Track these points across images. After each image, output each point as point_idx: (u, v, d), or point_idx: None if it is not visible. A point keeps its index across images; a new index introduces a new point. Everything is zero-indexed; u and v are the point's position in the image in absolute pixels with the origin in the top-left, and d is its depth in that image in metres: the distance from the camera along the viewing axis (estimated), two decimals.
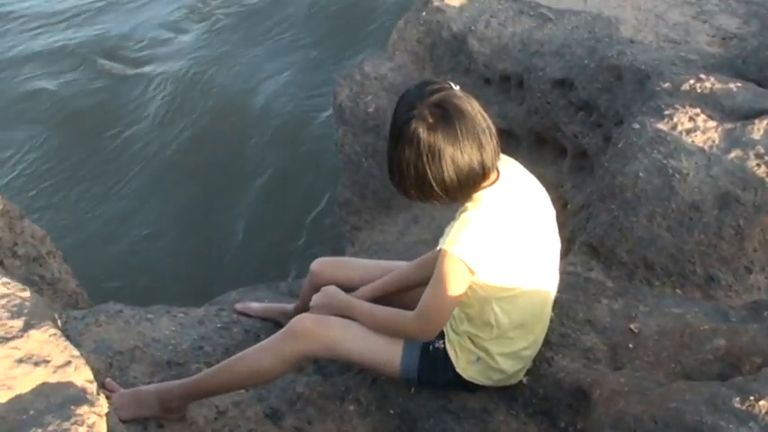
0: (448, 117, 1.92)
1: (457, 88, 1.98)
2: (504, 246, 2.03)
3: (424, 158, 1.94)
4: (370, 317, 2.30)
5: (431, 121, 1.92)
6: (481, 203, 2.03)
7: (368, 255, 4.03)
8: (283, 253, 5.22)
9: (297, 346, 2.27)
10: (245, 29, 7.44)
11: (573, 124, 3.75)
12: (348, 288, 2.48)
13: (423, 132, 1.93)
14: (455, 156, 1.94)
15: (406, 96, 2.00)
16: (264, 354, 2.30)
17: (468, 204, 2.04)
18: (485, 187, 2.04)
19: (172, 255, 5.33)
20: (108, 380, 2.42)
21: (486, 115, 1.99)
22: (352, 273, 2.60)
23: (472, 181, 2.00)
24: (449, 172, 1.95)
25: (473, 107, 1.96)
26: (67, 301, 3.11)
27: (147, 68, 7.04)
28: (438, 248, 2.04)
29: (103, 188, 5.92)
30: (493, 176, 2.05)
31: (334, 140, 4.70)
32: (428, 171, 1.95)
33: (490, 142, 1.97)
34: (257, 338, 2.75)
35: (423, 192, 2.03)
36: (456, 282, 2.06)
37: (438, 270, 2.05)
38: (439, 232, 3.83)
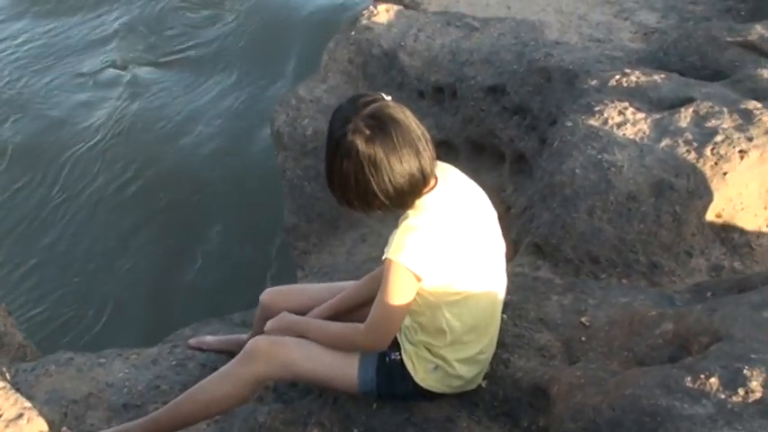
0: (384, 127, 1.94)
1: (389, 98, 2.01)
2: (449, 250, 2.05)
3: (366, 170, 1.96)
4: (323, 333, 2.30)
5: (367, 132, 1.94)
6: (422, 210, 2.05)
7: (318, 277, 4.02)
8: (234, 285, 5.17)
9: (253, 368, 2.25)
10: (178, 72, 7.37)
11: (508, 129, 3.80)
12: (304, 314, 2.47)
13: (361, 144, 1.95)
14: (395, 164, 1.96)
15: (340, 111, 2.02)
16: (222, 381, 2.29)
17: (410, 212, 2.06)
18: (424, 193, 2.06)
19: (122, 297, 5.24)
20: (64, 428, 2.37)
21: (419, 123, 2.02)
22: (302, 299, 2.59)
23: (414, 188, 2.02)
24: (391, 180, 1.97)
25: (406, 116, 1.99)
26: (15, 355, 3.04)
27: (79, 113, 6.94)
28: (383, 258, 2.06)
29: (46, 232, 5.80)
30: (432, 182, 2.07)
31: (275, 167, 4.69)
32: (371, 181, 1.97)
33: (427, 149, 2.00)
34: (214, 371, 2.72)
35: (366, 202, 2.04)
36: (403, 290, 2.07)
37: (384, 280, 2.07)
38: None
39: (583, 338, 2.37)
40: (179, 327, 3.52)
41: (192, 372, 2.76)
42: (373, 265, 3.81)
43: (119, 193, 6.07)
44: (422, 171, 2.00)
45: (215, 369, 2.76)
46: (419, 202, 2.05)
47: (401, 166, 1.97)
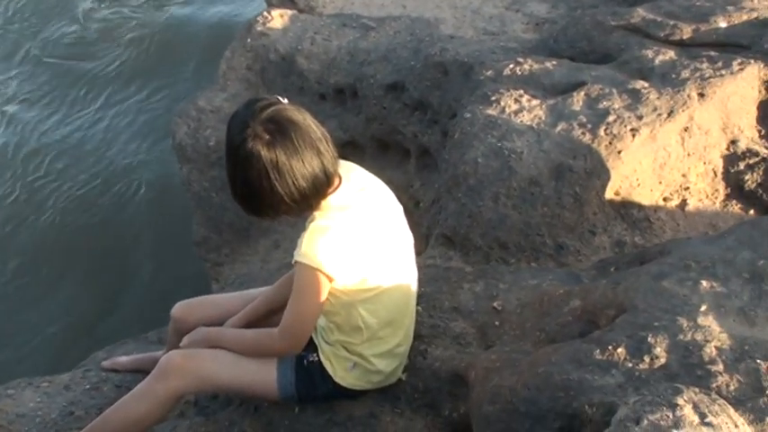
0: (283, 130, 1.94)
1: (285, 101, 2.00)
2: (358, 247, 2.07)
3: (270, 175, 1.95)
4: (238, 342, 2.28)
5: (267, 137, 1.93)
6: (328, 210, 2.06)
7: (234, 287, 3.96)
8: (147, 305, 5.05)
9: (170, 384, 2.22)
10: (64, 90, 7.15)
11: (411, 125, 3.84)
12: (219, 324, 2.44)
13: (262, 150, 1.94)
14: (297, 167, 1.96)
15: (237, 116, 2.01)
16: (138, 400, 2.25)
17: (316, 213, 2.06)
18: (329, 194, 2.06)
19: (27, 325, 5.06)
20: None
21: (318, 124, 2.02)
22: (215, 310, 2.56)
23: (318, 188, 2.02)
24: (295, 183, 1.97)
25: (305, 117, 1.99)
26: None
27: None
28: (293, 261, 2.05)
29: None
30: (335, 182, 2.08)
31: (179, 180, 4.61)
32: (275, 186, 1.96)
33: (328, 149, 2.00)
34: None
35: (272, 208, 2.04)
36: (314, 291, 2.08)
37: (296, 282, 2.07)
38: None
39: (496, 323, 2.42)
40: (91, 350, 3.42)
41: (107, 394, 2.69)
42: (288, 271, 3.80)
43: (22, 224, 5.86)
44: (324, 171, 2.00)
45: (130, 389, 2.71)
46: (325, 203, 2.06)
47: (304, 169, 1.97)
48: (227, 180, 2.05)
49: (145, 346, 3.31)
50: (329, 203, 2.06)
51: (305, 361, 2.28)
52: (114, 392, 2.70)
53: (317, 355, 2.28)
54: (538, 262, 2.82)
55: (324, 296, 2.10)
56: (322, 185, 2.02)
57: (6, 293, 5.35)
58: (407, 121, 3.86)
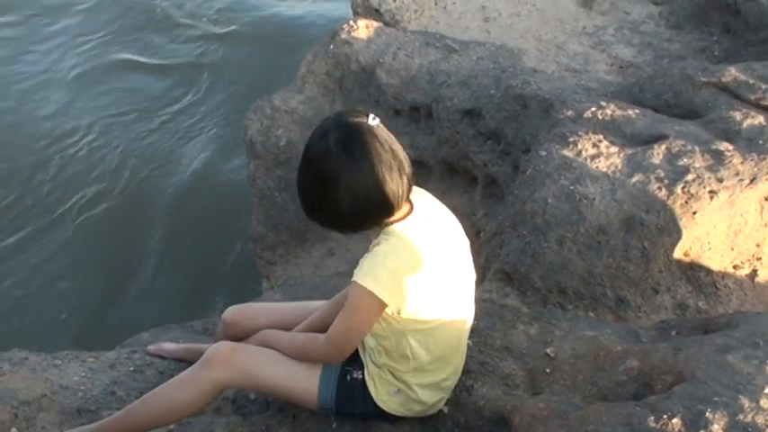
0: (354, 148, 1.94)
1: (375, 122, 2.00)
2: (418, 280, 2.04)
3: (319, 185, 1.98)
4: (290, 342, 2.29)
5: (336, 149, 1.95)
6: (394, 237, 2.04)
7: (284, 289, 3.99)
8: (196, 292, 5.11)
9: (214, 373, 2.22)
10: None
11: (482, 153, 3.81)
12: None
13: (328, 160, 1.95)
14: (355, 187, 1.95)
15: (324, 123, 2.04)
16: (180, 386, 2.25)
17: (382, 238, 2.05)
18: (397, 221, 2.05)
19: (78, 298, 5.14)
20: (14, 430, 2.31)
21: (398, 152, 2.00)
22: (267, 318, 2.56)
23: (371, 214, 2.02)
24: (343, 202, 1.97)
25: (383, 143, 1.97)
26: None
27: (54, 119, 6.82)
28: (352, 280, 2.05)
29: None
30: (404, 210, 2.07)
31: (245, 176, 4.66)
32: (331, 198, 1.97)
33: (398, 180, 1.99)
34: None
35: (328, 218, 2.06)
36: (364, 313, 2.08)
37: (349, 300, 2.07)
38: (354, 264, 3.82)
39: (547, 370, 2.38)
40: (136, 332, 3.46)
41: (149, 379, 2.71)
42: (339, 281, 3.81)
43: (74, 200, 5.96)
44: (384, 198, 1.98)
45: (173, 377, 2.73)
46: (391, 229, 2.05)
47: (358, 191, 1.96)
48: (297, 177, 2.07)
49: (190, 335, 3.34)
50: (395, 230, 2.05)
51: (348, 376, 2.27)
52: (157, 378, 2.72)
53: (363, 374, 2.27)
54: (596, 312, 2.77)
55: (373, 320, 2.10)
56: (375, 211, 2.01)
57: (57, 265, 5.47)
58: (479, 149, 3.84)
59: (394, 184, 1.98)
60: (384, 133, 2.00)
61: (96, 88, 7.10)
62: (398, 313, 2.06)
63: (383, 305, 2.03)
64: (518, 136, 3.61)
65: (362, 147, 1.95)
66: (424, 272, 2.04)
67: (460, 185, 3.97)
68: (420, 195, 2.16)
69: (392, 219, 2.05)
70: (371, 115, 2.01)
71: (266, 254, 4.36)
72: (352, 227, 2.08)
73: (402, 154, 2.01)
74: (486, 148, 3.80)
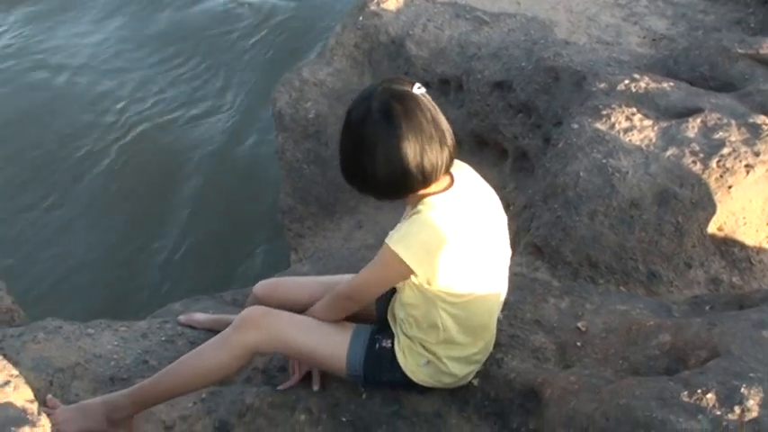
0: (395, 116, 1.92)
1: (420, 91, 1.98)
2: (452, 252, 2.02)
3: (358, 151, 1.97)
4: (317, 304, 2.33)
5: (377, 116, 1.93)
6: (433, 208, 2.02)
7: (312, 261, 4.00)
8: (225, 264, 5.14)
9: (246, 336, 2.24)
10: (174, 49, 7.28)
11: (513, 126, 3.78)
12: (301, 308, 2.44)
13: (362, 126, 1.96)
14: (387, 155, 1.94)
15: (369, 88, 2.03)
16: (212, 349, 2.27)
17: (421, 207, 2.04)
18: (436, 193, 2.04)
19: (107, 269, 5.20)
20: (49, 396, 2.34)
21: (441, 123, 1.98)
22: (298, 292, 2.56)
23: (407, 184, 2.00)
24: (380, 169, 1.97)
25: (425, 112, 1.95)
26: (2, 319, 3.00)
27: (82, 80, 6.86)
28: (385, 241, 2.04)
29: (32, 202, 5.74)
30: (444, 183, 2.05)
31: (273, 148, 4.66)
32: (361, 164, 1.98)
33: (438, 152, 1.96)
34: None
35: (364, 183, 2.06)
36: (387, 273, 2.10)
37: (376, 257, 2.09)
38: (383, 236, 3.82)
39: (578, 343, 2.36)
40: (165, 302, 3.49)
41: (180, 349, 2.73)
42: (368, 253, 3.80)
43: (104, 167, 6.01)
44: (422, 170, 1.97)
45: None
46: (430, 201, 2.03)
47: (398, 159, 1.95)
48: (339, 140, 2.07)
49: (220, 306, 3.36)
50: (434, 202, 2.03)
51: (377, 344, 2.27)
52: (188, 347, 2.73)
53: (392, 343, 2.27)
54: (627, 286, 2.75)
55: (394, 282, 2.12)
56: (411, 181, 1.99)
57: (83, 234, 5.53)
58: (509, 122, 3.81)
59: (433, 155, 1.96)
60: (428, 103, 1.98)
61: (127, 54, 7.12)
62: (429, 284, 2.05)
63: (410, 273, 2.02)
64: (549, 109, 3.57)
65: (404, 115, 1.93)
66: (459, 246, 2.02)
67: (490, 159, 3.94)
68: (461, 169, 2.14)
69: (431, 190, 2.03)
70: (417, 84, 1.99)
71: (295, 226, 4.37)
72: (388, 194, 2.07)
73: (445, 126, 1.99)
74: (516, 121, 3.77)
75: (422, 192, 2.03)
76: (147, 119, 6.38)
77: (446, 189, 2.06)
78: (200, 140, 6.13)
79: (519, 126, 3.75)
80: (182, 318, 2.90)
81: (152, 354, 2.67)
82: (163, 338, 2.78)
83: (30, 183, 5.88)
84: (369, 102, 1.96)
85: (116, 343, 2.69)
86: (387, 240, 2.04)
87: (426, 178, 1.98)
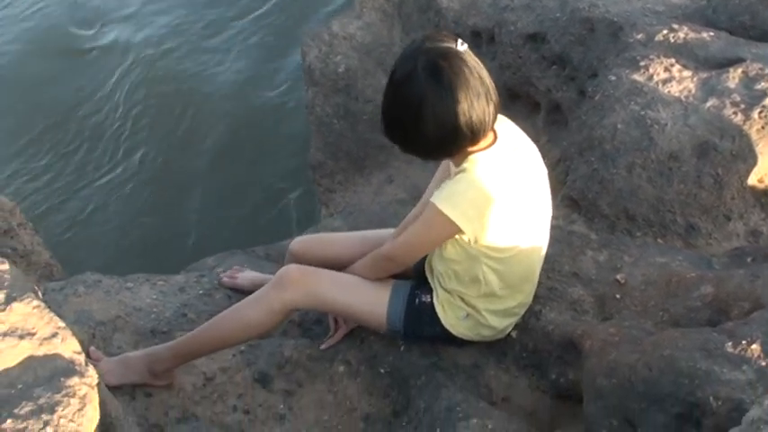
0: (443, 73, 1.90)
1: (463, 47, 1.95)
2: (500, 210, 2.01)
3: (414, 110, 1.93)
4: (357, 263, 2.33)
5: (425, 74, 1.90)
6: (479, 166, 2.01)
7: (343, 216, 4.00)
8: (254, 218, 5.16)
9: (285, 295, 2.25)
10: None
11: (546, 78, 3.72)
12: (339, 264, 2.45)
13: (408, 85, 1.92)
14: (443, 112, 1.92)
15: (413, 45, 1.99)
16: (252, 306, 2.29)
17: (467, 165, 2.02)
18: (480, 150, 2.02)
19: (138, 225, 5.25)
20: (92, 348, 2.37)
21: (486, 79, 1.95)
22: (337, 249, 2.56)
23: (456, 140, 1.98)
24: (428, 128, 1.94)
25: (471, 69, 1.92)
26: (42, 273, 3.05)
27: (104, 42, 6.84)
28: (431, 200, 2.03)
29: (62, 160, 5.78)
30: (488, 140, 2.03)
31: (303, 103, 4.64)
32: (415, 122, 1.94)
33: (485, 107, 1.94)
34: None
35: (410, 142, 2.04)
36: (435, 233, 2.09)
37: (424, 216, 2.08)
38: (414, 191, 3.81)
39: (617, 296, 2.35)
40: (197, 257, 3.51)
41: (218, 302, 2.75)
42: (399, 208, 3.80)
43: (132, 123, 6.02)
44: (470, 127, 1.94)
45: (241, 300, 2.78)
46: (476, 158, 2.01)
47: (448, 116, 1.92)
48: (381, 100, 2.04)
49: (253, 260, 3.37)
50: (480, 159, 2.01)
51: (417, 300, 2.28)
52: (225, 301, 2.76)
53: (431, 298, 2.28)
54: (664, 239, 2.72)
55: (441, 242, 2.11)
56: (461, 138, 1.97)
57: (112, 189, 5.56)
58: (543, 75, 3.75)
59: (481, 111, 1.93)
60: (472, 59, 1.95)
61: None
62: (476, 242, 2.04)
63: (458, 231, 2.01)
64: (584, 60, 3.51)
65: (451, 72, 1.90)
66: (506, 203, 2.01)
67: (523, 112, 3.89)
68: (503, 123, 2.11)
69: (477, 147, 2.02)
70: (460, 40, 1.96)
71: (325, 181, 4.36)
72: (435, 153, 2.06)
73: (489, 81, 1.96)
74: (550, 74, 3.71)
75: (468, 149, 2.01)
76: (174, 70, 6.37)
77: (491, 145, 2.04)
78: (227, 93, 6.11)
79: (552, 78, 3.69)
80: (225, 280, 2.90)
81: (191, 307, 2.70)
82: (200, 292, 2.80)
83: (54, 140, 5.92)
84: (414, 61, 1.92)
85: (155, 297, 2.72)
86: (433, 200, 2.03)
87: (475, 135, 1.96)
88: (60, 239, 4.96)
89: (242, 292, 2.85)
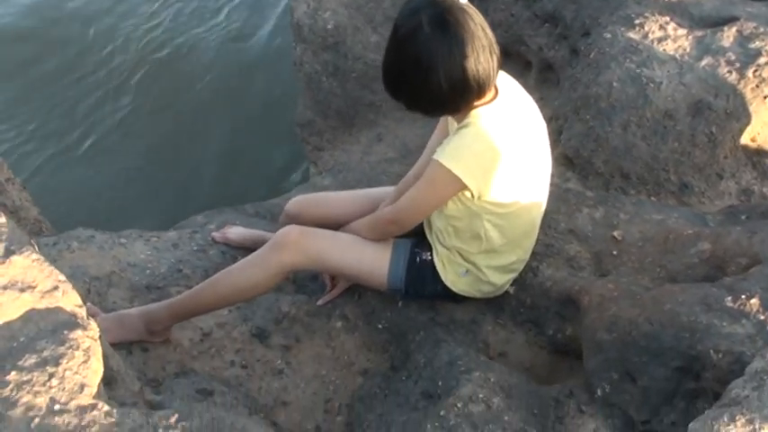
0: (447, 28, 1.87)
1: (464, 1, 1.93)
2: (501, 164, 2.00)
3: (420, 66, 1.91)
4: (357, 223, 2.32)
5: (428, 30, 1.88)
6: (481, 121, 2.00)
7: (332, 174, 3.99)
8: (242, 176, 5.13)
9: (283, 256, 2.23)
10: None
11: (538, 37, 3.71)
12: (335, 224, 2.44)
13: (420, 40, 1.89)
14: (449, 67, 1.90)
15: (412, 1, 1.95)
16: (250, 267, 2.28)
17: (467, 121, 2.01)
18: (483, 104, 2.00)
19: (126, 183, 5.20)
20: (89, 304, 2.35)
21: (488, 31, 1.94)
22: (330, 208, 2.55)
23: (464, 95, 1.96)
24: (441, 83, 1.92)
25: (476, 22, 1.90)
26: (31, 229, 3.01)
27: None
28: (433, 157, 2.02)
29: (58, 122, 5.70)
30: (490, 94, 2.02)
31: (291, 59, 4.58)
32: (422, 78, 1.92)
33: (489, 60, 1.92)
34: (235, 260, 2.70)
35: (415, 99, 2.02)
36: (440, 190, 2.07)
37: (427, 174, 2.06)
38: (403, 150, 3.79)
39: (614, 252, 2.37)
40: (184, 215, 3.49)
41: (212, 258, 2.74)
42: (388, 167, 3.79)
43: (127, 81, 5.94)
44: (477, 80, 1.93)
45: (235, 258, 2.76)
46: (476, 112, 2.00)
47: (455, 71, 1.90)
48: (383, 56, 2.01)
49: (243, 218, 3.36)
50: (482, 114, 2.00)
51: (418, 258, 2.28)
52: (219, 257, 2.75)
53: (431, 255, 2.28)
54: (658, 197, 2.75)
55: (446, 199, 2.09)
56: (469, 92, 1.96)
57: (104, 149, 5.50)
58: (534, 33, 3.73)
59: (487, 64, 1.92)
60: (475, 12, 1.93)
61: None
62: (479, 198, 2.04)
63: (462, 187, 2.00)
64: (577, 19, 3.49)
65: (458, 26, 1.87)
66: (509, 157, 2.01)
67: (514, 70, 3.81)
68: (504, 80, 2.10)
69: (481, 102, 2.00)
70: None
71: (313, 139, 4.34)
72: (441, 109, 2.04)
73: (491, 34, 1.94)
74: (542, 32, 3.69)
75: (473, 104, 2.00)
76: (163, 28, 6.27)
77: (492, 99, 2.02)
78: (213, 48, 6.03)
79: (545, 37, 3.68)
80: (216, 235, 2.88)
81: (185, 263, 2.68)
82: (195, 248, 2.79)
83: (51, 104, 5.82)
84: (417, 16, 1.89)
85: (149, 252, 2.70)
86: (436, 157, 2.01)
87: (481, 88, 1.95)
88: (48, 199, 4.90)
89: (234, 247, 2.85)
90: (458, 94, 1.94)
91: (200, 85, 5.78)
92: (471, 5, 1.94)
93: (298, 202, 2.61)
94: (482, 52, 1.90)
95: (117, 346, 2.28)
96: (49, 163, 5.37)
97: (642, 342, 1.86)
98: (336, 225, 2.43)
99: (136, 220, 4.51)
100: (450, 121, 2.16)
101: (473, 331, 2.31)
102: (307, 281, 2.73)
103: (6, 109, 5.74)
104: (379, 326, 2.39)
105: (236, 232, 2.86)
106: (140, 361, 2.31)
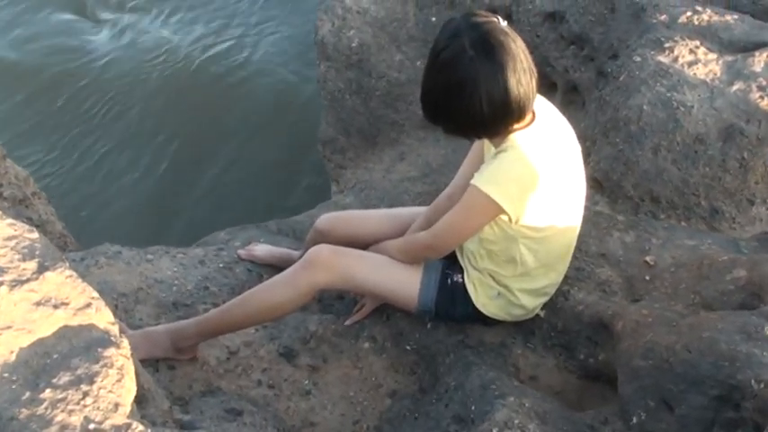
0: (489, 51, 1.86)
1: (504, 24, 1.92)
2: (539, 189, 1.99)
3: (460, 90, 1.90)
4: (390, 244, 2.31)
5: (471, 53, 1.87)
6: (518, 144, 1.99)
7: (354, 193, 3.98)
8: (264, 193, 5.13)
9: (314, 276, 2.22)
10: None
11: (564, 59, 3.70)
12: (364, 243, 2.42)
13: (457, 64, 1.88)
14: (490, 91, 1.89)
15: (452, 23, 1.94)
16: (279, 286, 2.27)
17: (505, 145, 2.00)
18: (521, 128, 1.99)
19: (150, 198, 5.21)
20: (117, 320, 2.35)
21: (528, 55, 1.93)
22: (361, 226, 2.53)
23: (504, 119, 1.95)
24: (482, 107, 1.91)
25: (516, 45, 1.90)
26: (57, 244, 3.00)
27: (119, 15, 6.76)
28: (471, 182, 2.01)
29: (74, 134, 5.72)
30: (529, 117, 2.01)
31: (315, 78, 4.59)
32: (462, 102, 1.91)
33: (529, 83, 1.92)
34: (261, 278, 2.70)
35: (453, 122, 2.01)
36: (477, 216, 2.05)
37: (464, 200, 2.05)
38: (426, 168, 3.78)
39: (646, 277, 2.35)
40: (206, 231, 3.48)
41: (239, 276, 2.73)
42: (410, 185, 3.78)
43: (147, 98, 5.96)
44: (518, 104, 1.92)
45: (261, 275, 2.76)
46: (517, 136, 1.99)
47: (496, 95, 1.89)
48: (421, 82, 2.01)
49: (267, 235, 3.35)
50: (521, 138, 1.99)
51: (449, 280, 2.27)
52: (246, 275, 2.74)
53: (462, 277, 2.26)
54: (688, 222, 2.72)
55: (484, 224, 2.08)
56: (510, 116, 1.95)
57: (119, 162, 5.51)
58: (560, 55, 3.72)
59: (528, 87, 1.91)
60: (515, 35, 1.92)
61: None
62: (516, 222, 2.02)
63: (500, 212, 1.99)
64: (605, 41, 3.48)
65: (501, 49, 1.87)
66: (547, 181, 1.99)
67: (539, 92, 3.86)
68: (542, 104, 2.09)
69: (519, 125, 1.99)
70: (498, 16, 1.93)
71: (336, 157, 4.33)
72: (481, 132, 2.03)
73: (530, 56, 1.94)
74: (568, 54, 3.68)
75: (512, 127, 1.99)
76: (187, 48, 6.30)
77: (530, 123, 2.01)
78: (236, 69, 6.05)
79: (570, 59, 3.67)
80: (242, 252, 2.87)
81: (212, 280, 2.68)
82: (221, 265, 2.78)
83: (70, 113, 5.85)
84: (459, 39, 1.88)
85: (175, 269, 2.69)
86: (474, 182, 2.01)
87: (522, 111, 1.94)
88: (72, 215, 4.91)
89: (260, 264, 2.84)
90: (499, 118, 1.93)
91: (226, 102, 5.79)
92: (511, 29, 1.93)
93: (328, 219, 2.60)
94: (523, 75, 1.89)
95: (143, 362, 2.28)
96: (67, 180, 5.38)
97: (679, 369, 1.83)
98: (365, 244, 2.42)
99: (158, 234, 4.51)
100: (486, 145, 2.15)
101: (503, 355, 2.29)
102: (332, 300, 2.72)
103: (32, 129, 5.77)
104: (408, 347, 2.38)
105: (262, 249, 2.85)
106: (167, 378, 2.30)
